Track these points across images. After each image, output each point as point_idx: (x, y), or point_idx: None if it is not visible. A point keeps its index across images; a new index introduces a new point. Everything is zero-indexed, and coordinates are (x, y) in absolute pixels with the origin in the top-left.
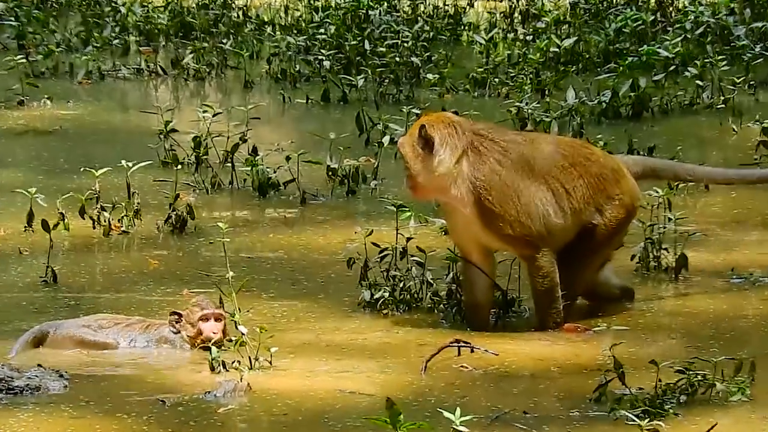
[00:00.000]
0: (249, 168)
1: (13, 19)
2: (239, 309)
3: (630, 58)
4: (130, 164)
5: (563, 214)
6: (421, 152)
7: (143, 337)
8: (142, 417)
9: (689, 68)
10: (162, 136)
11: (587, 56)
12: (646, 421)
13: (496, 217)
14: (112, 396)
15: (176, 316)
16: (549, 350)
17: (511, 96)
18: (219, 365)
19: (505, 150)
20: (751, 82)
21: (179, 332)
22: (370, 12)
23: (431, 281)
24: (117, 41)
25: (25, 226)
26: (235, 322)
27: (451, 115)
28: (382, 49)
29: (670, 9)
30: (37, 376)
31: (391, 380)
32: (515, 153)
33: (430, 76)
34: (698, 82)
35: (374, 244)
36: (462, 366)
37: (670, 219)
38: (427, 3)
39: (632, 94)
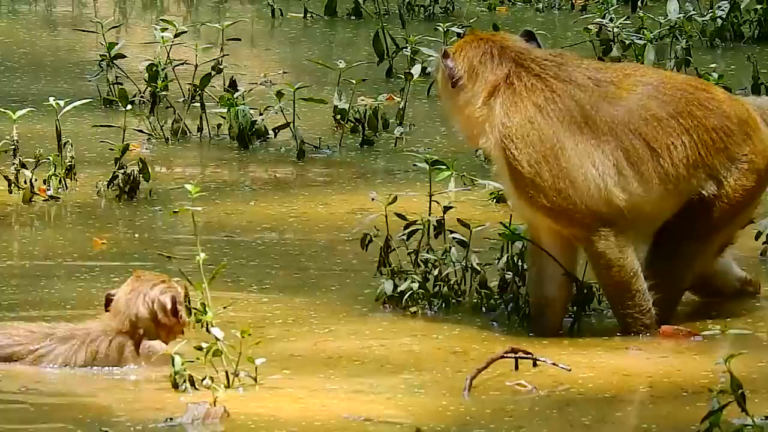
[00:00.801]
0: (225, 109)
1: None
2: (210, 305)
3: None
4: (61, 103)
5: (641, 184)
6: (449, 85)
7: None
8: None
9: None
10: (104, 65)
11: None
12: None
13: (525, 181)
14: (39, 427)
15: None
16: (638, 363)
17: (591, 9)
18: (184, 381)
19: (552, 90)
20: None
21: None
22: None
23: (478, 267)
24: None
25: None
26: (207, 323)
27: (495, 36)
28: None
29: None
30: None
31: (422, 404)
32: (566, 95)
33: None
34: None
35: (398, 215)
36: (519, 384)
37: None
38: None
39: (759, 7)
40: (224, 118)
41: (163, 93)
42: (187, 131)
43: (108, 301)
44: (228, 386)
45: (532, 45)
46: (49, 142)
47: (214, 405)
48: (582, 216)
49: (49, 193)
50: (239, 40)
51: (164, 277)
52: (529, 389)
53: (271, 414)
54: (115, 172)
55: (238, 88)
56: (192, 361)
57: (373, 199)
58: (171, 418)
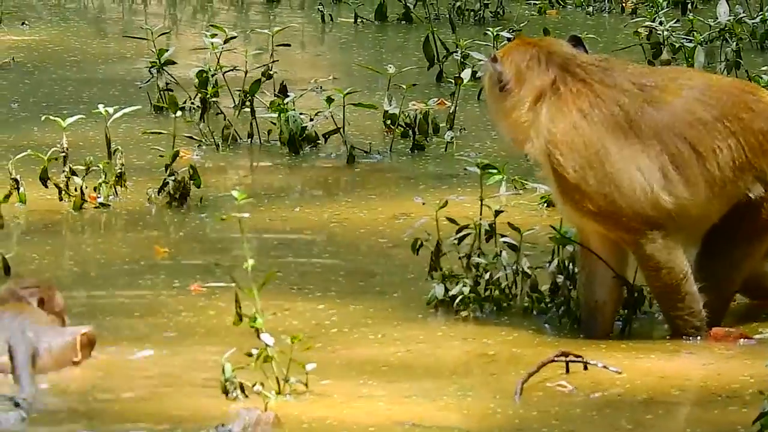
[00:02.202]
0: (275, 115)
1: None
2: (261, 312)
3: None
4: (111, 110)
5: (687, 188)
6: (496, 90)
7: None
8: None
9: None
10: (154, 71)
11: None
12: None
13: (570, 186)
14: None
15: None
16: (688, 366)
17: (641, 12)
18: (235, 388)
19: (597, 95)
20: None
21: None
22: None
23: (528, 271)
24: None
25: None
26: (257, 329)
27: (542, 41)
28: None
29: None
30: None
31: (473, 408)
32: (611, 101)
33: None
34: None
35: (449, 220)
36: (560, 386)
37: None
38: None
39: None
40: (274, 123)
41: (214, 99)
42: (238, 137)
43: None
44: (279, 392)
45: (578, 50)
46: (99, 149)
47: (265, 411)
48: (628, 220)
49: (99, 200)
50: (289, 45)
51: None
52: (569, 390)
53: (322, 419)
54: (165, 178)
55: (288, 93)
56: (243, 368)
57: (423, 204)
58: (222, 425)
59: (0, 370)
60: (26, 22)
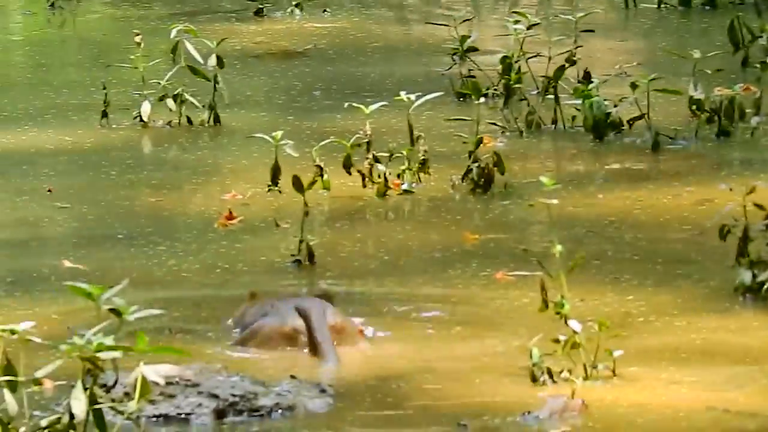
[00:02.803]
0: (580, 101)
1: None
2: (568, 298)
3: None
4: (413, 97)
5: None
6: None
7: None
8: None
9: None
10: (456, 58)
11: None
12: None
13: None
14: (390, 418)
15: None
16: None
17: None
18: (543, 374)
19: None
20: None
21: None
22: None
23: None
24: None
25: (269, 185)
26: (564, 315)
27: None
28: None
29: None
30: (289, 391)
31: None
32: None
33: None
34: None
35: (757, 206)
36: None
37: None
38: None
39: None
40: (578, 110)
41: (517, 85)
42: (541, 123)
43: None
44: (586, 379)
45: None
46: (402, 136)
47: (572, 398)
48: None
49: (403, 187)
50: (593, 31)
51: None
52: None
53: (630, 405)
54: (469, 165)
55: (592, 79)
56: (549, 354)
57: (730, 190)
58: (529, 412)
59: (294, 334)
60: (327, 9)
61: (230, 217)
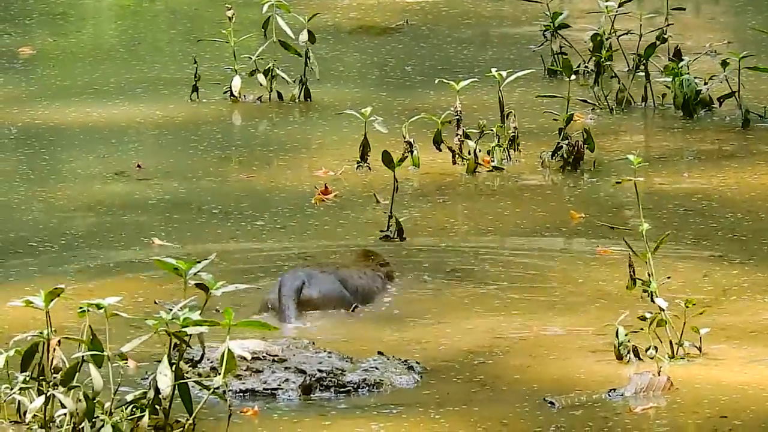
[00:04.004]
0: (670, 79)
1: None
2: (655, 275)
3: None
4: (504, 74)
5: None
6: None
7: None
8: (521, 424)
9: None
10: (548, 35)
11: None
12: None
13: None
14: (477, 395)
15: None
16: None
17: None
18: (628, 352)
19: None
20: None
21: None
22: None
23: None
24: None
25: (358, 161)
26: (651, 293)
27: None
28: None
29: None
30: (377, 368)
31: None
32: None
33: None
34: None
35: None
36: None
37: None
38: None
39: None
40: (669, 87)
41: (608, 63)
42: (632, 101)
43: None
44: (672, 357)
45: None
46: (492, 113)
47: (658, 375)
48: None
49: (493, 163)
50: (684, 9)
51: None
52: None
53: (716, 383)
54: (559, 142)
55: (682, 57)
56: (636, 332)
57: None
58: (614, 389)
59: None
60: None
61: (326, 192)
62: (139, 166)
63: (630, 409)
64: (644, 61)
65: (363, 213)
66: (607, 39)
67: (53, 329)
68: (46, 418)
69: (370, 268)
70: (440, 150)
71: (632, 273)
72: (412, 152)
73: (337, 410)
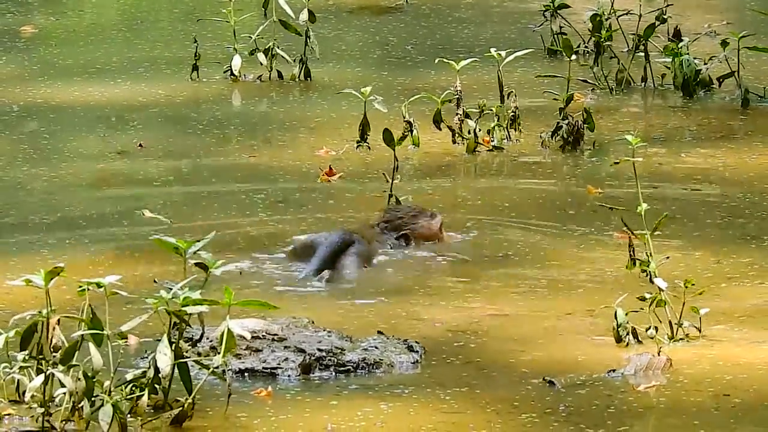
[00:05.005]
0: (669, 59)
1: None
2: (654, 256)
3: None
4: (503, 53)
5: None
6: None
7: None
8: (523, 403)
9: None
10: (548, 15)
11: None
12: None
13: None
14: (478, 376)
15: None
16: None
17: None
18: (628, 333)
19: None
20: None
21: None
22: None
23: None
24: None
25: (358, 141)
26: (650, 273)
27: None
28: None
29: None
30: (376, 347)
31: None
32: None
33: None
34: None
35: None
36: None
37: None
38: None
39: None
40: (668, 68)
41: (607, 43)
42: (631, 81)
43: None
44: (672, 337)
45: None
46: (492, 92)
47: (658, 356)
48: None
49: (493, 143)
50: None
51: None
52: None
53: (715, 362)
54: (558, 122)
55: (682, 38)
56: (636, 311)
57: None
58: (614, 370)
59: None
60: None
61: (330, 173)
62: (140, 145)
63: (633, 387)
64: (644, 42)
65: (364, 191)
66: (606, 19)
67: (53, 308)
68: (46, 398)
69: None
70: (440, 129)
71: (632, 253)
72: (411, 131)
73: (342, 390)
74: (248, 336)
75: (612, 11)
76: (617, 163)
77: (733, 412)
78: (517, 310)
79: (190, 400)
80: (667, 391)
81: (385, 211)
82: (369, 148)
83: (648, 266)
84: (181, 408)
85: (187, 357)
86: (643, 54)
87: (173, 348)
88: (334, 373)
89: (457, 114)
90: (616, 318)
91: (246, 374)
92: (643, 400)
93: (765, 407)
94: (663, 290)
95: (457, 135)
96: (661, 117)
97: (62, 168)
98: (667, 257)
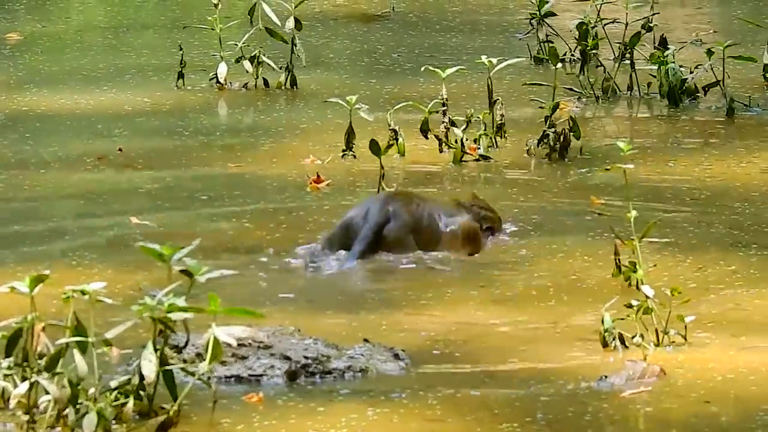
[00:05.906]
0: (655, 67)
1: None
2: (641, 263)
3: None
4: (493, 61)
5: None
6: None
7: None
8: (509, 413)
9: None
10: (534, 23)
11: None
12: None
13: None
14: (462, 384)
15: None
16: None
17: None
18: (614, 339)
19: None
20: None
21: None
22: None
23: None
24: None
25: (344, 150)
26: (637, 280)
27: None
28: None
29: None
30: (362, 354)
31: None
32: None
33: None
34: None
35: None
36: None
37: None
38: None
39: None
40: (654, 76)
41: (593, 51)
42: (617, 89)
43: None
44: (658, 344)
45: None
46: (480, 101)
47: (649, 364)
48: None
49: (479, 152)
50: None
51: None
52: None
53: (700, 369)
54: (545, 130)
55: (668, 46)
56: (622, 319)
57: None
58: (606, 376)
59: None
60: None
61: (318, 180)
62: (120, 149)
63: (615, 395)
64: (630, 50)
65: (351, 200)
66: (592, 27)
67: (37, 315)
68: (30, 404)
69: (466, 210)
70: (427, 138)
71: (618, 261)
72: (397, 140)
73: (327, 397)
74: (234, 343)
75: (598, 20)
76: (608, 170)
77: (714, 419)
78: (502, 319)
79: (175, 407)
80: (650, 398)
81: (474, 196)
82: (354, 156)
83: (634, 273)
84: (166, 415)
85: (172, 364)
86: (629, 62)
87: (158, 355)
88: (320, 380)
89: (443, 122)
90: (603, 323)
91: (232, 380)
92: (625, 408)
93: (745, 415)
94: (650, 297)
95: (443, 144)
96: (647, 125)
97: (45, 175)
98: (654, 265)
